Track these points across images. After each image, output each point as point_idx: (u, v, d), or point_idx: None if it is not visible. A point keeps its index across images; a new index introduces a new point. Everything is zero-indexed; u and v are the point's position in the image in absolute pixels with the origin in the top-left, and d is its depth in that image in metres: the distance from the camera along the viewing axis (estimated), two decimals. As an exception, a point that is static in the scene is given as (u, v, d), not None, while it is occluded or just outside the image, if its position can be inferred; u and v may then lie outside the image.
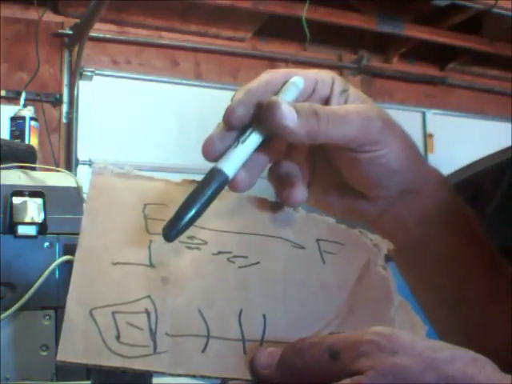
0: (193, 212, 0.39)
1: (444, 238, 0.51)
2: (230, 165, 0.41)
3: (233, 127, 0.42)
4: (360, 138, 0.44)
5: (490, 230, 0.54)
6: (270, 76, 0.44)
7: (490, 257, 0.52)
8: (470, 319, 0.52)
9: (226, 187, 0.42)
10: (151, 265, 0.40)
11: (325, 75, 0.46)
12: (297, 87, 0.44)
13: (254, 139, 0.42)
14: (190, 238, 0.42)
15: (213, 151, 0.42)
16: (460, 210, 0.52)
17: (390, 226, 0.50)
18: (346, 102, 0.46)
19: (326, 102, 0.46)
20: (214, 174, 0.40)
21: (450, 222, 0.51)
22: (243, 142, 0.42)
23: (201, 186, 0.40)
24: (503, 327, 0.50)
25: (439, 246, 0.51)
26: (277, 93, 0.43)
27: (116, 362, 0.36)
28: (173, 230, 0.38)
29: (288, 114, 0.41)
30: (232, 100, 0.43)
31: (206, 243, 0.42)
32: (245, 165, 0.42)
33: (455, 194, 0.52)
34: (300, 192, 0.44)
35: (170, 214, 0.41)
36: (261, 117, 0.42)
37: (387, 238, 0.51)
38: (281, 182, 0.45)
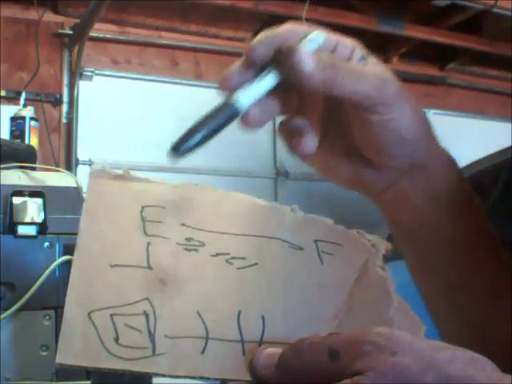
0: (203, 132, 0.40)
1: (450, 219, 0.51)
2: (245, 97, 0.42)
3: (252, 65, 0.43)
4: (374, 97, 0.44)
5: None
6: (293, 26, 0.45)
7: (493, 246, 0.52)
8: (471, 310, 0.52)
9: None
10: (149, 267, 0.40)
11: (347, 39, 0.46)
12: (317, 41, 0.44)
13: (270, 79, 0.43)
14: (188, 239, 0.42)
15: (229, 83, 0.43)
16: (467, 193, 0.52)
17: (396, 201, 0.50)
18: None
19: None
20: (227, 103, 0.42)
21: (457, 203, 0.51)
22: (259, 79, 0.43)
23: (213, 112, 0.41)
24: (504, 321, 0.50)
25: (444, 226, 0.51)
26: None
27: (115, 365, 0.36)
28: (181, 146, 0.39)
29: (306, 59, 0.42)
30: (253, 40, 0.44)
31: (203, 245, 0.42)
32: (258, 103, 0.43)
33: (463, 178, 0.52)
34: (310, 140, 0.45)
35: (167, 216, 0.41)
36: (279, 59, 0.43)
37: (392, 213, 0.52)
38: (291, 133, 0.46)
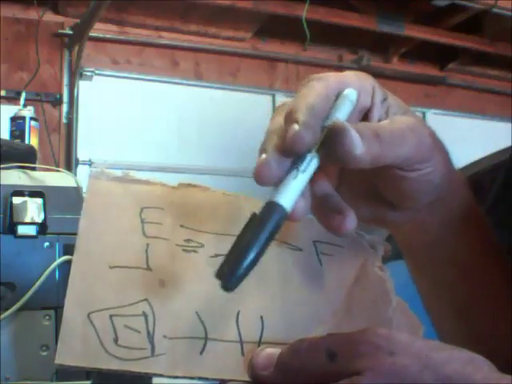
0: (253, 254, 0.34)
1: (462, 240, 0.50)
2: (289, 198, 0.36)
3: (297, 154, 0.38)
4: (413, 158, 0.42)
5: None
6: (325, 87, 0.40)
7: (502, 262, 0.52)
8: (477, 329, 0.52)
9: None
10: (148, 268, 0.40)
11: (365, 82, 0.43)
12: (351, 102, 0.40)
13: (313, 167, 0.38)
14: (187, 241, 0.42)
15: (270, 177, 0.37)
16: (478, 213, 0.51)
17: (412, 230, 0.50)
18: (387, 113, 0.44)
19: (367, 112, 0.43)
20: (272, 209, 0.36)
21: (469, 224, 0.50)
22: (303, 171, 0.37)
23: (259, 223, 0.35)
24: (510, 335, 0.50)
25: (456, 247, 0.50)
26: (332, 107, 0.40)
27: (114, 365, 0.36)
28: (232, 277, 0.34)
29: (356, 141, 0.37)
30: (289, 119, 0.38)
31: (202, 246, 0.42)
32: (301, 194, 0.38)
33: (473, 196, 0.51)
34: (351, 219, 0.40)
35: (166, 217, 0.41)
36: (326, 143, 0.38)
37: (407, 241, 0.51)
38: (322, 207, 0.41)
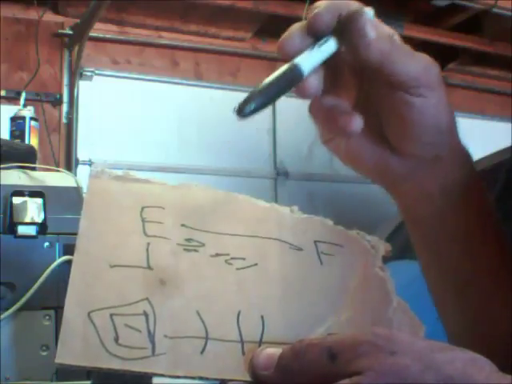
0: (267, 94, 0.40)
1: (463, 213, 0.51)
2: (307, 64, 0.42)
3: (316, 31, 0.43)
4: (421, 79, 0.45)
5: None
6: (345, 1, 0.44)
7: (500, 240, 0.52)
8: (476, 306, 0.52)
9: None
10: (149, 267, 0.40)
11: (385, 27, 0.46)
12: (370, 15, 0.44)
13: (330, 47, 0.43)
14: (188, 240, 0.42)
15: (291, 46, 0.42)
16: (479, 188, 0.52)
17: (413, 192, 0.51)
18: None
19: None
20: (292, 68, 0.41)
21: (470, 197, 0.51)
22: (320, 46, 0.42)
23: (278, 75, 0.41)
24: (505, 314, 0.50)
25: (457, 220, 0.51)
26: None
27: (115, 365, 0.36)
28: (247, 106, 0.40)
29: (370, 26, 0.42)
30: (315, 8, 0.43)
31: (203, 245, 0.42)
32: (315, 71, 0.43)
33: (477, 173, 0.52)
34: (358, 118, 0.45)
35: (167, 216, 0.41)
36: (342, 25, 0.42)
37: (407, 205, 0.52)
38: (329, 113, 0.45)
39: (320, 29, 0.43)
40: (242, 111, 0.40)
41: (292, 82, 0.41)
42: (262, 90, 0.41)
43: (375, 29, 0.42)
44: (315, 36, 0.43)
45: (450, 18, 3.21)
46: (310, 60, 0.42)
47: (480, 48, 3.36)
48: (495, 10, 2.85)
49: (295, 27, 0.43)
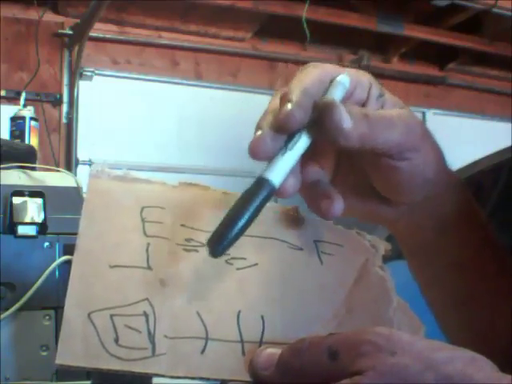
0: (241, 223, 0.37)
1: (459, 243, 0.51)
2: (278, 174, 0.39)
3: (288, 131, 0.40)
4: (403, 144, 0.43)
5: None
6: (319, 73, 0.42)
7: (501, 260, 0.52)
8: (477, 320, 0.53)
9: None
10: (149, 267, 0.40)
11: (363, 77, 0.45)
12: (344, 87, 0.42)
13: (302, 144, 0.40)
14: (188, 240, 0.42)
15: (263, 152, 0.40)
16: (475, 214, 0.52)
17: (407, 229, 0.50)
18: (382, 108, 0.45)
19: (362, 106, 0.44)
20: (261, 184, 0.39)
21: (466, 226, 0.51)
22: (291, 148, 0.40)
23: (248, 196, 0.38)
24: (508, 328, 0.50)
25: (453, 249, 0.51)
26: (325, 92, 0.42)
27: (115, 365, 0.36)
28: (220, 245, 0.37)
29: (345, 117, 0.40)
30: (284, 99, 0.41)
31: (203, 245, 0.42)
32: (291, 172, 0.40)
33: (471, 198, 0.52)
34: (340, 204, 0.43)
35: (167, 216, 0.41)
36: (317, 119, 0.40)
37: (403, 239, 0.52)
38: (312, 191, 0.43)
39: (293, 128, 0.40)
40: (216, 251, 0.37)
41: (268, 197, 0.39)
42: (236, 216, 0.37)
43: (350, 115, 0.40)
44: (286, 133, 0.40)
45: (450, 18, 3.22)
46: (282, 167, 0.39)
47: (480, 48, 3.36)
48: (495, 10, 2.86)
49: (265, 127, 0.40)
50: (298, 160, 0.41)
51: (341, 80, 0.42)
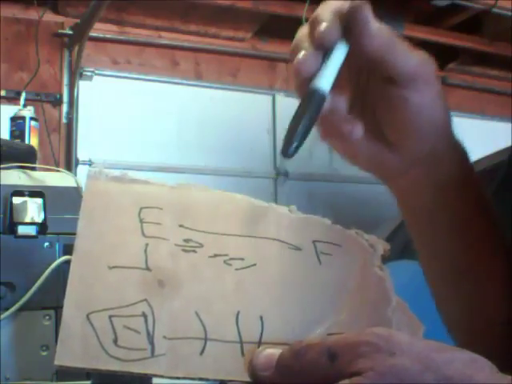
0: (303, 127, 0.41)
1: (458, 207, 0.52)
2: (325, 82, 0.43)
3: (327, 46, 0.44)
4: (419, 72, 0.46)
5: None
6: (341, 2, 0.45)
7: (496, 232, 0.54)
8: (471, 296, 0.54)
9: None
10: (147, 268, 0.40)
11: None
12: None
13: (341, 53, 0.44)
14: (186, 240, 0.42)
15: (309, 68, 0.44)
16: (475, 183, 0.53)
17: (409, 187, 0.52)
18: None
19: None
20: (313, 93, 0.43)
21: (466, 192, 0.52)
22: (332, 57, 0.44)
23: (303, 106, 0.42)
24: (499, 304, 0.51)
25: (453, 213, 0.53)
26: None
27: (114, 366, 0.36)
28: (290, 145, 0.41)
29: (372, 18, 0.44)
30: (315, 22, 0.44)
31: (202, 246, 0.42)
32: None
33: (473, 169, 0.53)
34: (359, 127, 0.46)
35: (165, 217, 0.41)
36: (347, 20, 0.44)
37: (404, 199, 0.53)
38: (329, 117, 0.46)
39: (330, 43, 0.44)
40: (287, 153, 0.41)
41: (318, 108, 0.43)
42: (295, 127, 0.42)
43: (377, 22, 0.44)
44: (325, 48, 0.44)
45: (450, 18, 3.21)
46: (328, 77, 0.44)
47: (480, 48, 3.36)
48: (495, 10, 2.85)
49: (304, 45, 0.44)
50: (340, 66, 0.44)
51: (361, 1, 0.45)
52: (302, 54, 0.44)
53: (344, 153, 0.51)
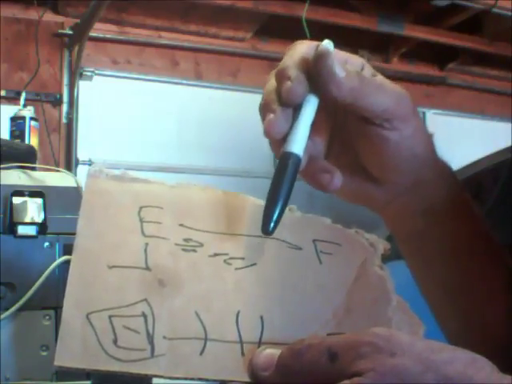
0: (282, 198, 0.41)
1: (449, 232, 0.52)
2: (298, 144, 0.42)
3: (295, 104, 0.43)
4: (394, 111, 0.45)
5: None
6: (307, 46, 0.45)
7: (491, 249, 0.53)
8: (469, 308, 0.53)
9: None
10: (147, 268, 0.40)
11: (354, 58, 0.47)
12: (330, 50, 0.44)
13: (310, 111, 0.43)
14: (186, 240, 0.42)
15: (279, 130, 0.43)
16: (467, 205, 0.53)
17: (397, 214, 0.52)
18: None
19: None
20: (287, 158, 0.42)
21: (457, 216, 0.52)
22: (301, 112, 0.43)
23: (279, 173, 0.42)
24: (498, 318, 0.51)
25: (444, 238, 0.52)
26: None
27: (114, 366, 0.36)
28: (270, 223, 0.40)
29: (338, 65, 0.42)
30: (281, 77, 0.44)
31: (202, 245, 0.42)
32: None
33: (462, 188, 0.53)
34: (338, 177, 0.45)
35: (165, 216, 0.41)
36: (313, 70, 0.43)
37: (394, 225, 0.53)
38: (309, 167, 0.45)
39: (298, 99, 0.43)
40: (268, 231, 0.40)
41: (294, 172, 0.42)
42: (275, 196, 0.41)
43: (343, 68, 0.43)
44: (294, 105, 0.43)
45: (450, 18, 3.21)
46: (300, 137, 0.43)
47: (480, 48, 3.36)
48: (495, 10, 2.85)
49: (275, 107, 0.43)
50: (311, 127, 0.43)
51: (326, 44, 0.44)
52: (271, 115, 0.43)
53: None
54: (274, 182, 0.41)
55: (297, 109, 0.43)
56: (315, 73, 0.42)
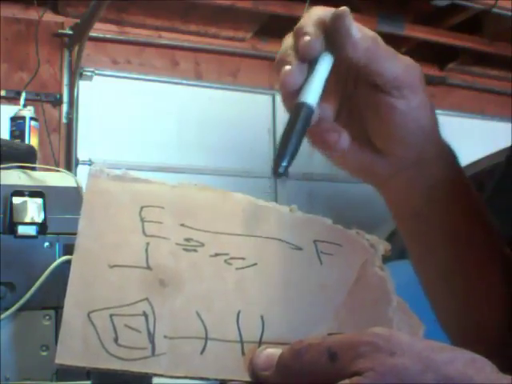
0: (293, 144, 0.41)
1: (448, 209, 0.53)
2: (312, 95, 0.43)
3: (311, 57, 0.44)
4: (404, 79, 0.46)
5: None
6: (323, 9, 0.46)
7: (489, 233, 0.54)
8: (466, 294, 0.54)
9: None
10: (148, 267, 0.40)
11: (368, 29, 0.47)
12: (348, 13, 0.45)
13: (326, 64, 0.44)
14: (187, 240, 0.42)
15: (295, 81, 0.44)
16: (466, 186, 0.53)
17: (397, 190, 0.52)
18: None
19: None
20: (300, 107, 0.43)
21: (456, 196, 0.53)
22: (317, 69, 0.44)
23: (291, 123, 0.42)
24: (491, 302, 0.51)
25: (443, 216, 0.53)
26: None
27: (114, 365, 0.36)
28: (280, 166, 0.41)
29: (354, 26, 0.44)
30: (299, 34, 0.44)
31: (202, 245, 0.42)
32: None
33: (463, 171, 0.53)
34: (346, 137, 0.46)
35: (166, 216, 0.41)
36: (330, 30, 0.44)
37: (394, 201, 0.54)
38: (317, 128, 0.46)
39: (315, 55, 0.44)
40: (278, 171, 0.41)
41: (307, 123, 0.43)
42: (284, 144, 0.41)
43: (360, 29, 0.44)
44: (310, 60, 0.44)
45: (450, 18, 3.22)
46: (314, 90, 0.43)
47: (480, 48, 3.36)
48: (495, 10, 2.85)
49: (288, 57, 0.44)
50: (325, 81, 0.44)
51: (343, 9, 0.45)
52: (287, 67, 0.44)
53: (332, 159, 0.51)
54: (286, 129, 0.42)
55: (312, 65, 0.44)
56: (332, 32, 0.44)
